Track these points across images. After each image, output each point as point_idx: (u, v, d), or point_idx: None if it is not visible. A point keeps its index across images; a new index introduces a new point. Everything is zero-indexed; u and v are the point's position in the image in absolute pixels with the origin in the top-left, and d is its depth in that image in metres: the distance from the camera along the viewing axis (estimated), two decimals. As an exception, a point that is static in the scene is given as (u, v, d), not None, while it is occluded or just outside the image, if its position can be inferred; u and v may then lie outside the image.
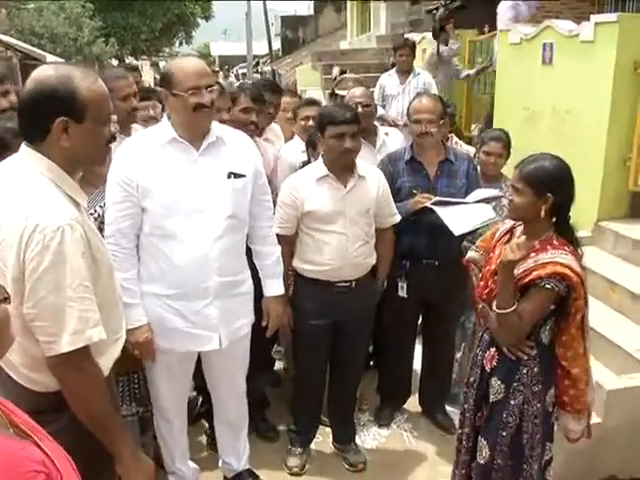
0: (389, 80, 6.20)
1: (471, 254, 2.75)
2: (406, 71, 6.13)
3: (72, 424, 1.78)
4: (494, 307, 2.39)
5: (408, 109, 3.51)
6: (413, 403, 3.92)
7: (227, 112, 3.18)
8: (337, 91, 4.72)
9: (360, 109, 3.65)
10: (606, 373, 3.52)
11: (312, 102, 4.29)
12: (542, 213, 2.30)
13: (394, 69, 6.30)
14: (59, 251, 1.65)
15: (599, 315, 3.92)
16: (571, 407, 2.50)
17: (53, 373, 1.74)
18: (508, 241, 2.50)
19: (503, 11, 6.59)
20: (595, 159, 4.76)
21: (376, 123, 4.08)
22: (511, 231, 2.54)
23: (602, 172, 4.75)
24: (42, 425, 1.64)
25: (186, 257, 2.53)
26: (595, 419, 3.08)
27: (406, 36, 8.34)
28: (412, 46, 6.24)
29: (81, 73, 1.74)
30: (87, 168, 2.07)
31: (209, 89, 2.46)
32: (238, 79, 24.71)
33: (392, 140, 3.96)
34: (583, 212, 4.68)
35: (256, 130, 3.50)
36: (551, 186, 2.28)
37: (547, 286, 2.25)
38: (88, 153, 1.82)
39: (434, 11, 6.95)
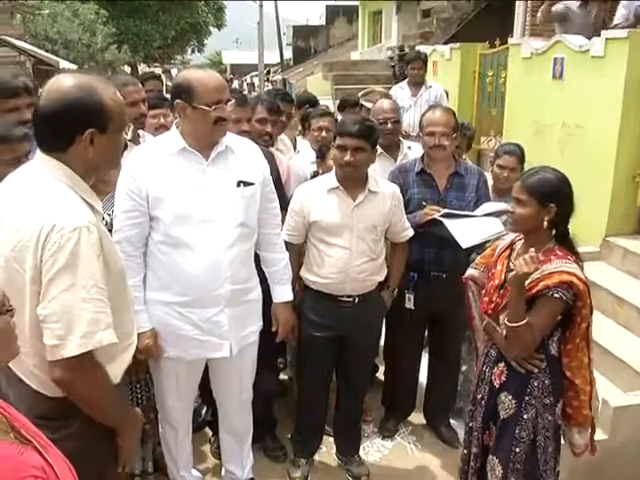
0: (401, 92, 6.23)
1: (470, 271, 2.75)
2: (418, 83, 6.16)
3: (81, 431, 1.78)
4: (502, 321, 2.39)
5: (420, 121, 3.52)
6: (417, 416, 3.91)
7: (247, 122, 3.20)
8: (363, 102, 4.70)
9: (389, 125, 3.66)
10: (612, 390, 3.50)
11: (326, 113, 4.28)
12: (545, 224, 2.34)
13: (405, 81, 6.33)
14: (75, 252, 1.65)
15: (606, 331, 3.91)
16: (574, 420, 2.50)
17: (60, 375, 1.70)
18: (509, 256, 2.52)
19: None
20: (604, 174, 4.76)
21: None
22: (511, 246, 2.55)
23: (611, 187, 4.75)
24: (51, 431, 1.65)
25: (199, 265, 2.54)
26: (601, 436, 3.07)
27: (417, 48, 8.37)
28: (424, 59, 6.28)
29: (102, 83, 1.78)
30: (98, 176, 2.09)
31: (228, 103, 2.52)
32: (249, 89, 24.70)
33: (414, 154, 3.90)
34: (591, 227, 4.68)
35: (270, 141, 3.52)
36: (554, 196, 2.33)
37: (555, 295, 2.26)
38: (107, 160, 1.87)
39: None
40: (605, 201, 4.77)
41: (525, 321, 2.27)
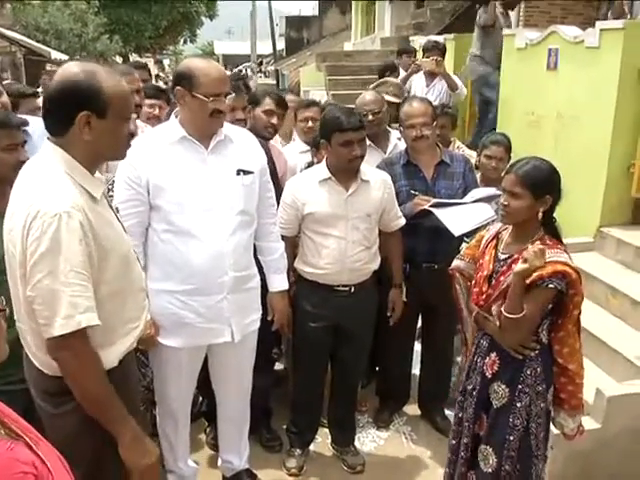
0: (416, 81, 6.21)
1: (457, 262, 2.76)
2: (434, 73, 6.14)
3: (78, 408, 1.83)
4: (494, 311, 2.41)
5: (398, 115, 3.47)
6: (412, 406, 3.92)
7: (242, 111, 3.22)
8: (386, 97, 4.51)
9: (371, 117, 3.63)
10: (606, 380, 3.52)
11: (312, 103, 4.28)
12: (539, 215, 2.35)
13: (422, 71, 6.30)
14: (55, 237, 1.71)
15: (599, 321, 3.92)
16: (568, 404, 2.52)
17: (50, 355, 1.80)
18: (496, 246, 2.53)
19: None
20: (599, 165, 4.75)
21: (388, 128, 3.98)
22: (497, 236, 2.57)
23: (605, 178, 4.74)
24: (54, 406, 1.82)
25: (202, 253, 2.55)
26: (594, 425, 3.09)
27: (411, 39, 8.32)
28: (443, 49, 6.27)
29: (106, 71, 1.82)
30: None
31: (227, 97, 2.53)
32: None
33: (404, 145, 3.92)
34: (585, 217, 4.69)
35: (274, 133, 3.53)
36: (549, 187, 2.34)
37: (550, 286, 2.28)
38: (109, 148, 1.90)
39: None
40: (599, 192, 4.77)
41: (523, 313, 2.29)
